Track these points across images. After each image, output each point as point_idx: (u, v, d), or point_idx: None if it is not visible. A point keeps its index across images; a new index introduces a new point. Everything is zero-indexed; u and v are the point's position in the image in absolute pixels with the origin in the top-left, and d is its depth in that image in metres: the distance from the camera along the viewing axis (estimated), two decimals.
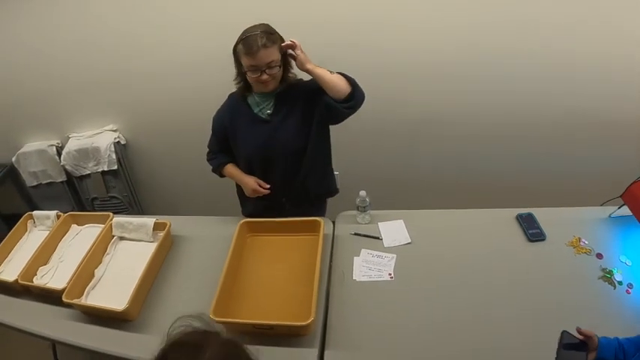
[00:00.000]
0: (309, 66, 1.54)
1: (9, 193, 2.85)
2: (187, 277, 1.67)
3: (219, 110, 1.79)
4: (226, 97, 1.78)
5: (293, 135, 1.67)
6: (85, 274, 1.63)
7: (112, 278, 1.68)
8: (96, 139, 2.67)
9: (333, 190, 1.91)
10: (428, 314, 1.39)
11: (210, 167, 1.89)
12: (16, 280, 1.63)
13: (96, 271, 1.68)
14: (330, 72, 1.55)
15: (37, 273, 1.71)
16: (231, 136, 1.75)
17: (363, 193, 1.69)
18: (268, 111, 1.67)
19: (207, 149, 1.89)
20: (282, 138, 1.67)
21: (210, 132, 1.83)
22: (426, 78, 2.31)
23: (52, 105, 2.66)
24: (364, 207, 1.70)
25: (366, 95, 1.59)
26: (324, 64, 1.58)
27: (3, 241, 1.91)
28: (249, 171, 1.80)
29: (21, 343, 0.86)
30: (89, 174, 2.72)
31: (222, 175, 1.88)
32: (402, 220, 1.74)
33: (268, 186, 1.74)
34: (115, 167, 2.69)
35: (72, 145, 2.67)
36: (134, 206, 2.90)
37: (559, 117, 2.35)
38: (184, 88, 2.50)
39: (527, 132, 2.43)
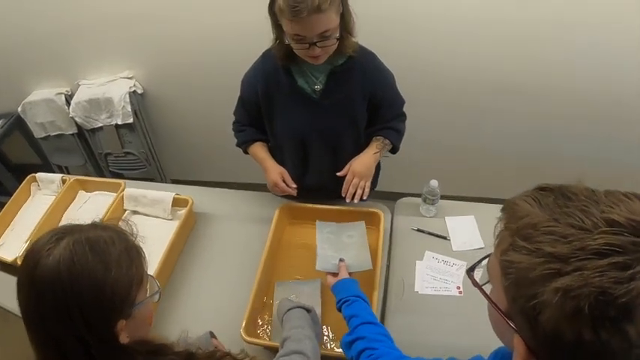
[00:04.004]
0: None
1: (18, 143, 2.60)
2: (213, 273, 1.40)
3: (249, 74, 1.36)
4: (261, 51, 1.34)
5: (344, 122, 1.33)
6: None
7: None
8: (108, 88, 2.34)
9: (374, 186, 1.56)
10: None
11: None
12: (15, 260, 1.44)
13: None
14: (382, 143, 1.36)
15: None
16: (265, 111, 1.36)
17: (434, 182, 1.36)
18: (317, 86, 1.29)
19: (234, 116, 1.48)
20: (330, 124, 1.32)
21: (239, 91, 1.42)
22: (502, 39, 1.87)
23: (60, 46, 2.30)
24: (432, 199, 1.38)
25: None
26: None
27: (5, 207, 1.71)
28: (281, 155, 1.44)
29: (22, 327, 0.64)
30: (101, 127, 2.43)
31: (246, 152, 1.49)
32: (472, 216, 1.42)
33: (295, 186, 1.37)
34: (131, 120, 2.38)
35: (82, 95, 2.35)
36: (152, 163, 2.63)
37: None
38: (214, 25, 2.05)
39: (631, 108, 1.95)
